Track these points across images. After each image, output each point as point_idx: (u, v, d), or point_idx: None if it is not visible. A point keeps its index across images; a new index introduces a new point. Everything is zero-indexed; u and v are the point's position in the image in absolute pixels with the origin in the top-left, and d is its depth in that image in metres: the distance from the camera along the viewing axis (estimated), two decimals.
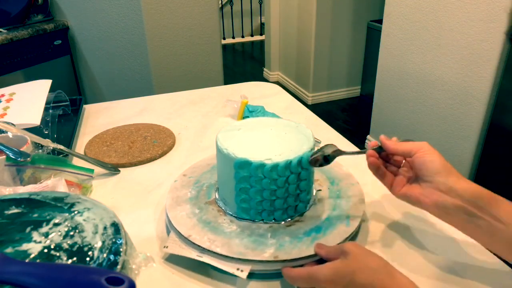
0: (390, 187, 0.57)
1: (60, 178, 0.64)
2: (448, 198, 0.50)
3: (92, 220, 0.51)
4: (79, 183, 0.71)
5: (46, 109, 0.89)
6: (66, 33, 2.16)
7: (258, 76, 4.14)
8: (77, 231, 0.49)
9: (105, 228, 0.50)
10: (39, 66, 2.09)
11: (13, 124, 0.75)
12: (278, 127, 0.66)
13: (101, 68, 2.21)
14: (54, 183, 0.63)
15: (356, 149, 0.88)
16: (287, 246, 0.55)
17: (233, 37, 5.41)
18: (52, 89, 0.96)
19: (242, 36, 5.47)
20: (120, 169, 0.81)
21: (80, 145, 0.92)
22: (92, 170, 0.75)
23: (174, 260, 0.58)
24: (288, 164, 0.56)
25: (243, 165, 0.57)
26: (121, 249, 0.47)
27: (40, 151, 0.74)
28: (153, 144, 0.89)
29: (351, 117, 3.15)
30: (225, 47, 5.20)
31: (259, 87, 1.27)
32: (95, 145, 0.89)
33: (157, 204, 0.70)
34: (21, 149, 0.67)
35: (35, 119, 0.84)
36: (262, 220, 0.60)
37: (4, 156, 0.64)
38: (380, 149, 0.57)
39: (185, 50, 2.10)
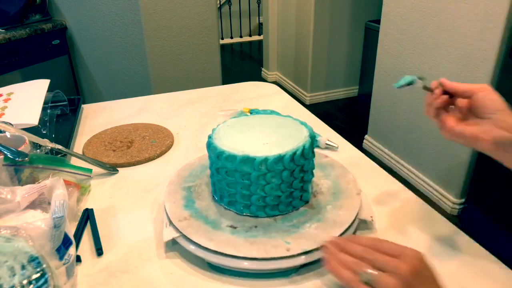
0: (443, 126, 0.57)
1: (59, 178, 0.63)
2: (508, 135, 0.50)
3: (5, 263, 0.43)
4: (78, 183, 0.71)
5: (44, 109, 0.89)
6: (64, 32, 2.16)
7: (256, 76, 4.14)
8: None
9: (23, 267, 0.43)
10: (37, 65, 2.09)
11: (11, 124, 0.75)
12: (283, 129, 0.64)
13: (99, 68, 2.21)
14: (52, 183, 0.63)
15: (355, 149, 0.89)
16: (209, 231, 0.57)
17: (231, 37, 5.41)
18: (50, 89, 0.96)
19: (240, 36, 5.47)
20: (118, 169, 0.81)
21: (79, 145, 0.92)
22: (90, 170, 0.75)
23: (174, 259, 0.58)
24: (240, 158, 0.56)
25: (210, 145, 0.60)
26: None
27: (38, 151, 0.74)
28: (151, 144, 0.89)
29: (348, 117, 3.16)
30: (223, 47, 5.20)
31: (257, 87, 1.27)
32: (94, 145, 0.89)
33: (155, 204, 0.70)
34: (19, 149, 0.67)
35: (33, 119, 0.84)
36: (227, 208, 0.62)
37: (2, 156, 0.64)
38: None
39: (183, 50, 2.10)
